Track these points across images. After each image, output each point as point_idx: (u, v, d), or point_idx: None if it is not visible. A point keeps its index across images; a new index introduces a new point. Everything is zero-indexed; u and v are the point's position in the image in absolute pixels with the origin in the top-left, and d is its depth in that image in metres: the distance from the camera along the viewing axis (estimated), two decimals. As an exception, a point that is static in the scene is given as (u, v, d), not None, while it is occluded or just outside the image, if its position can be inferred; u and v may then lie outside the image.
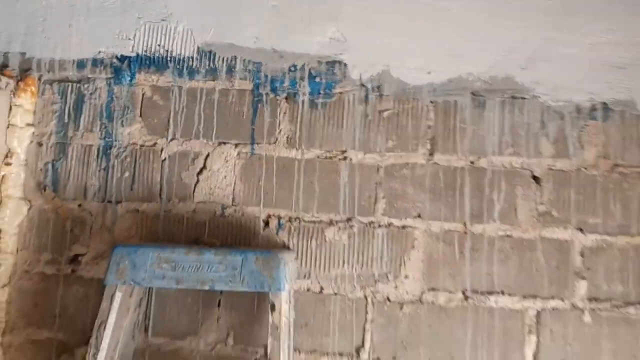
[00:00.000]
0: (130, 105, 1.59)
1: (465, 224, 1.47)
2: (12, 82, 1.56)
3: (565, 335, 1.42)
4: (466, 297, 1.45)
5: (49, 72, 1.62)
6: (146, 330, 1.50)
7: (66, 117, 1.60)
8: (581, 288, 1.43)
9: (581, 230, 1.45)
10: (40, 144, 1.59)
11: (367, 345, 1.46)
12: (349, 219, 1.50)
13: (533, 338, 1.43)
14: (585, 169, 1.46)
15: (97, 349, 1.27)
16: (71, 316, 1.52)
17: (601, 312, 1.42)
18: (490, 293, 1.45)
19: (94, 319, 1.44)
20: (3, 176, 1.53)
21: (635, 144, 1.46)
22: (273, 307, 1.28)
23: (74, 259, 1.54)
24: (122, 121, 1.58)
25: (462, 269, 1.46)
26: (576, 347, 1.42)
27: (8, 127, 1.55)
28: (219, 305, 1.50)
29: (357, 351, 1.46)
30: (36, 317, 1.53)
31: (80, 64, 1.61)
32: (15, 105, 1.56)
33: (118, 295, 1.30)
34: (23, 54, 1.63)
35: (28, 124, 1.58)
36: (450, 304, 1.46)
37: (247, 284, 1.28)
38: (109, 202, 1.55)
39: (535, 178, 1.47)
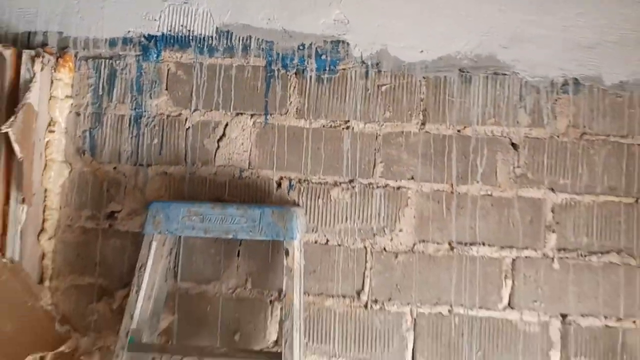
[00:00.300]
0: (157, 79, 1.79)
1: (452, 185, 1.69)
2: (52, 59, 1.76)
3: (537, 279, 1.66)
4: (452, 248, 1.68)
5: (84, 49, 1.81)
6: (175, 276, 1.73)
7: (100, 89, 1.80)
8: (551, 240, 1.66)
9: (552, 190, 1.67)
10: (78, 114, 1.80)
11: (367, 288, 1.70)
12: (351, 181, 1.72)
13: (509, 282, 1.66)
14: (557, 136, 1.68)
15: (139, 287, 1.50)
16: (110, 264, 1.75)
17: (568, 260, 1.66)
18: (472, 244, 1.68)
19: (130, 266, 1.69)
20: (47, 142, 1.74)
21: (601, 115, 1.67)
22: (287, 253, 1.51)
23: (111, 215, 1.77)
24: (150, 94, 1.78)
25: (448, 224, 1.69)
26: (546, 290, 1.66)
27: (50, 99, 1.75)
28: (238, 255, 1.73)
29: (358, 294, 1.70)
30: (79, 266, 1.76)
31: (112, 43, 1.81)
32: (56, 79, 1.76)
33: (154, 243, 1.53)
34: (60, 33, 1.82)
35: (67, 96, 1.78)
36: (438, 254, 1.69)
37: (265, 234, 1.51)
38: (141, 165, 1.77)
39: (513, 145, 1.69)
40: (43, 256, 1.75)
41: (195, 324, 1.72)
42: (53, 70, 1.76)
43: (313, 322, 1.70)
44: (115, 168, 1.78)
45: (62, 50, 1.81)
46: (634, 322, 1.62)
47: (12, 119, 1.58)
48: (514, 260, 1.66)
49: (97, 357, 1.73)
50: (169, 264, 1.68)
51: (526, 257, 1.66)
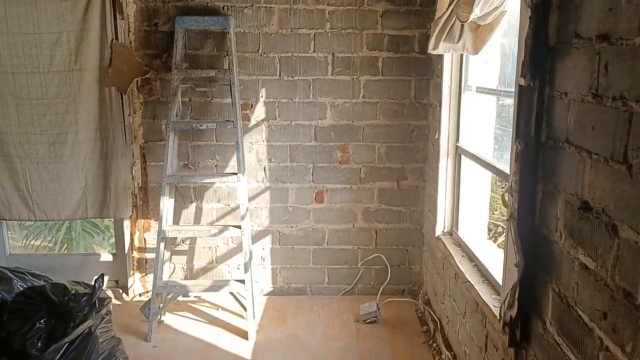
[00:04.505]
0: (168, -36, 4.30)
1: (291, 5, 4.39)
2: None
3: (323, 40, 4.45)
4: (292, 30, 4.42)
5: (134, -48, 4.27)
6: (186, 47, 4.43)
7: (144, -30, 4.30)
8: (328, 25, 4.43)
9: (329, 5, 4.40)
10: (136, -19, 4.32)
11: (261, 48, 4.45)
12: (252, 5, 4.38)
13: (312, 42, 4.45)
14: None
15: (175, 45, 4.20)
16: (158, 44, 4.41)
17: (335, 32, 4.43)
18: (299, 29, 4.41)
19: (166, 45, 4.38)
20: (126, -6, 4.28)
21: (345, -25, 4.36)
22: (228, 33, 4.23)
23: (156, 24, 4.39)
24: (166, -29, 4.31)
25: (291, 21, 4.40)
26: (326, 44, 4.45)
27: (124, -25, 4.25)
28: (209, 37, 4.43)
29: (257, 50, 4.46)
30: (145, 45, 4.41)
31: (146, -52, 4.28)
32: (125, -34, 4.24)
33: (179, 32, 4.20)
34: (122, -56, 4.26)
35: (130, -27, 4.29)
36: (287, 33, 4.43)
37: (221, 25, 4.22)
38: (165, 2, 4.35)
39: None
40: (130, 42, 4.39)
41: (196, 64, 4.47)
42: (123, -38, 4.23)
43: (240, 62, 4.48)
44: (155, 3, 4.36)
45: (125, -48, 4.27)
46: (357, 54, 4.49)
47: (118, -15, 4.13)
48: (314, 34, 4.45)
49: (158, 82, 4.49)
50: (184, 42, 4.38)
51: (319, 33, 4.44)
